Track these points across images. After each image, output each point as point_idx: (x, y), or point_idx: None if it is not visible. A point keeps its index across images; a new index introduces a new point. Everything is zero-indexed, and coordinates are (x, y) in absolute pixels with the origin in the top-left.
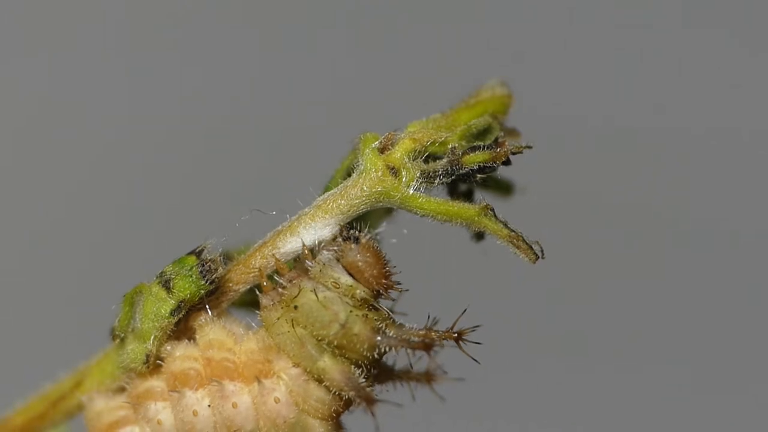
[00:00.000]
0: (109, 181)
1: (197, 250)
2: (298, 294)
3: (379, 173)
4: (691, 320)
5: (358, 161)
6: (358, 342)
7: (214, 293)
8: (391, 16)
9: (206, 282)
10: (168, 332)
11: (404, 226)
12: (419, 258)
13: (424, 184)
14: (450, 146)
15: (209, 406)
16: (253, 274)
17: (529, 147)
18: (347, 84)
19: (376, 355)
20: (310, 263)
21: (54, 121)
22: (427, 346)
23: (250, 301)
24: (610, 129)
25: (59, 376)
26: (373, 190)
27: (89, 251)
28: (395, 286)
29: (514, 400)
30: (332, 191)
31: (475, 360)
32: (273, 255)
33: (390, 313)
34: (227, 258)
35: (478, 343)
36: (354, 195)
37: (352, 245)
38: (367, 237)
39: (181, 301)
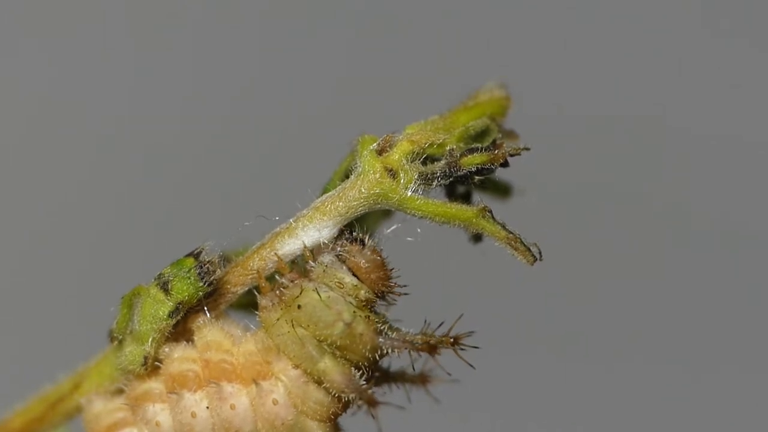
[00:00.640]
0: (107, 182)
1: (195, 252)
2: (301, 293)
3: (377, 175)
4: (691, 320)
5: (356, 163)
6: (361, 343)
7: (212, 295)
8: (391, 16)
9: (204, 284)
10: (166, 334)
11: (402, 228)
12: (417, 260)
13: (422, 186)
14: (448, 148)
15: (208, 407)
16: (251, 276)
17: (527, 149)
18: (346, 85)
19: (377, 357)
20: (312, 264)
21: (54, 121)
22: (432, 348)
23: (248, 303)
24: (610, 129)
25: (58, 377)
26: (371, 191)
27: (87, 253)
28: (396, 289)
29: (514, 400)
30: (330, 193)
31: (471, 365)
32: (275, 254)
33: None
34: (225, 260)
35: (476, 347)
36: (352, 197)
37: (358, 247)
38: (372, 240)
39: (180, 303)
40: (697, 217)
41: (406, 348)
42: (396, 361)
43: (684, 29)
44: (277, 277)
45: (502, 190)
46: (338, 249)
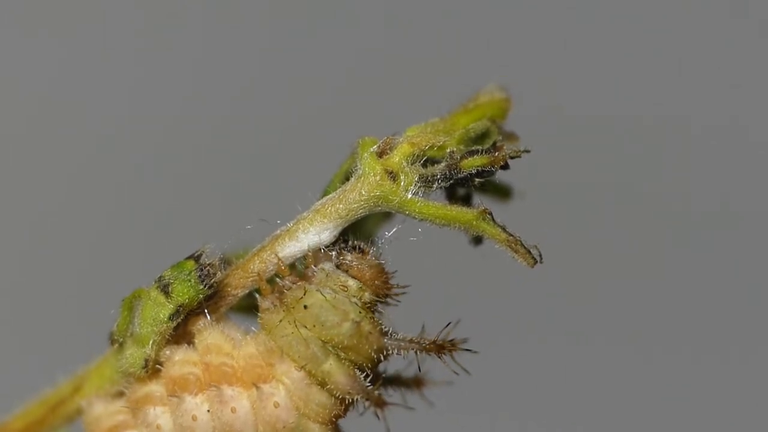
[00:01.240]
0: (107, 182)
1: (196, 255)
2: (305, 294)
3: (378, 177)
4: (692, 320)
5: (357, 165)
6: (367, 343)
7: (212, 298)
8: (392, 16)
9: (205, 286)
10: (167, 337)
11: (402, 230)
12: (417, 262)
13: (422, 188)
14: (448, 150)
15: (208, 411)
16: (252, 279)
17: (528, 151)
18: (346, 85)
19: (382, 357)
20: (314, 269)
21: (54, 121)
22: (440, 348)
23: (248, 306)
24: (610, 129)
25: (58, 380)
26: (372, 194)
27: (87, 254)
28: (395, 290)
29: (513, 400)
30: (331, 195)
31: (466, 371)
32: (276, 255)
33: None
34: (226, 262)
35: (475, 352)
36: (352, 199)
37: (359, 255)
38: (372, 248)
39: (180, 306)
40: (697, 217)
41: (412, 348)
42: (389, 365)
43: (684, 29)
44: (277, 279)
45: (503, 193)
46: (339, 259)
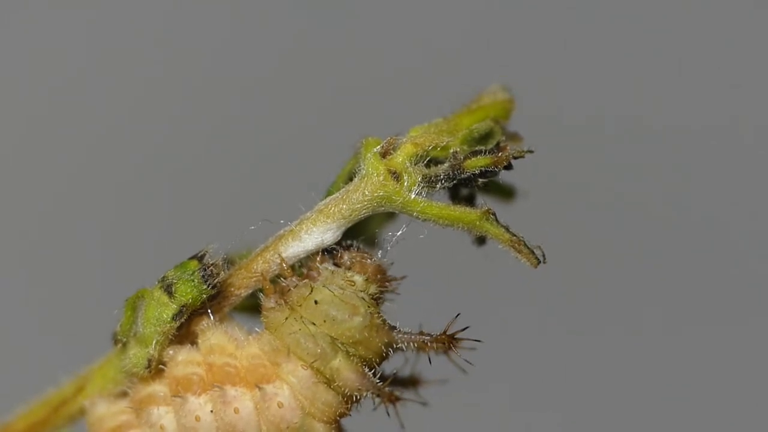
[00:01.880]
0: (110, 183)
1: (199, 255)
2: (312, 291)
3: (381, 177)
4: (692, 320)
5: (360, 165)
6: (377, 336)
7: (216, 298)
8: (392, 16)
9: (208, 286)
10: (170, 337)
11: (405, 230)
12: (420, 261)
13: (425, 189)
14: (452, 151)
15: (212, 411)
16: (255, 279)
17: (531, 151)
18: (347, 85)
19: (391, 352)
20: (318, 266)
21: (54, 121)
22: (449, 342)
23: (252, 306)
24: (610, 129)
25: (61, 380)
26: (375, 194)
27: (90, 255)
28: (395, 289)
29: (513, 399)
30: (334, 195)
31: (463, 369)
32: (279, 255)
33: None
34: (229, 262)
35: (473, 349)
36: (356, 199)
37: (360, 254)
38: (373, 246)
39: (183, 306)
40: (697, 217)
41: (420, 341)
42: (386, 365)
43: (684, 29)
44: (280, 280)
45: (506, 193)
46: (338, 258)
